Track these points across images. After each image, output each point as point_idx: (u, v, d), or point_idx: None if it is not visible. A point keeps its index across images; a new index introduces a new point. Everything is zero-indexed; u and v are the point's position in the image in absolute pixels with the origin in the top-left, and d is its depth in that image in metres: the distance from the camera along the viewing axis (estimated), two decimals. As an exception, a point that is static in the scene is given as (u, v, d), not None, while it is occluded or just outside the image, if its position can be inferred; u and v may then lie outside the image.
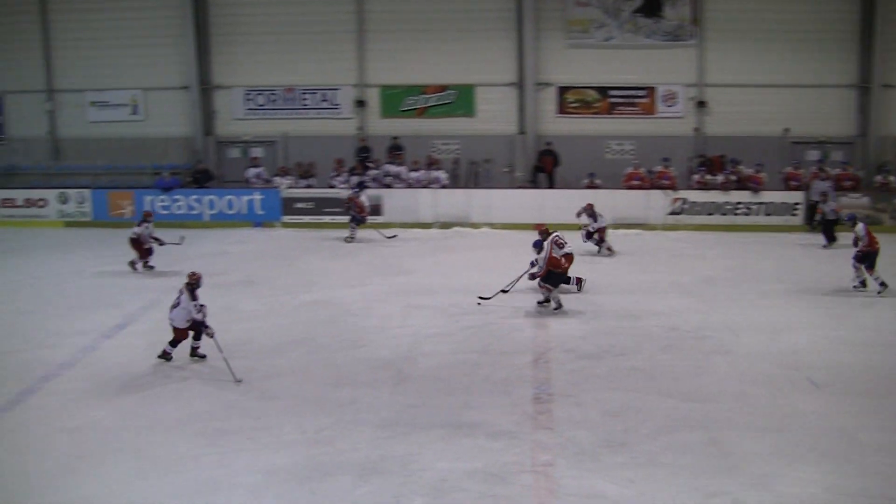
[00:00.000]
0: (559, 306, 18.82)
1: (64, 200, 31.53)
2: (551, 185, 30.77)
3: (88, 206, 31.30)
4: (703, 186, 28.83)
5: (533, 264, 19.29)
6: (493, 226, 27.97)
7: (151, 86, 34.32)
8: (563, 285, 19.55)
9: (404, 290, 21.02)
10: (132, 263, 23.36)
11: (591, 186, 29.15)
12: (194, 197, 30.84)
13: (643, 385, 14.58)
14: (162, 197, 30.86)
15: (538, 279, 18.94)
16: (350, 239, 26.68)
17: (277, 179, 30.61)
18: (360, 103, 33.05)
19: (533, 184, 31.07)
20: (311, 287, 21.54)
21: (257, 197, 30.22)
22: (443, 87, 32.63)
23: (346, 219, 28.57)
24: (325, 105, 33.50)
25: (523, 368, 15.45)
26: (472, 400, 14.05)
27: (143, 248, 23.32)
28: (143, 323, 18.66)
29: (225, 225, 30.05)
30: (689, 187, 29.14)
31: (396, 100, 32.96)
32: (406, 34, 32.57)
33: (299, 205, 30.01)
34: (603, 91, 32.06)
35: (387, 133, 32.29)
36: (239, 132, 34.15)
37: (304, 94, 33.55)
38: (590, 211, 24.35)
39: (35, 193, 31.99)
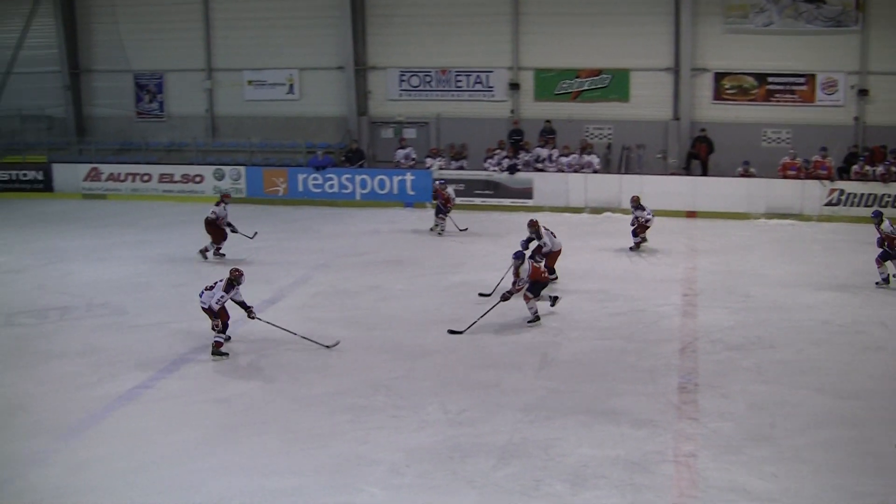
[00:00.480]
0: (535, 318, 17.26)
1: (220, 177, 32.27)
2: (705, 173, 30.35)
3: (243, 183, 31.99)
4: (862, 177, 28.04)
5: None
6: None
7: (307, 66, 34.86)
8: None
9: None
10: (203, 251, 22.99)
11: (746, 175, 28.63)
12: (346, 176, 31.20)
13: (791, 379, 14.32)
14: (315, 175, 31.34)
15: (518, 293, 17.09)
16: (440, 231, 26.06)
17: (429, 160, 30.81)
18: (514, 86, 33.02)
19: (686, 171, 30.69)
20: (459, 268, 21.68)
21: (409, 177, 30.44)
22: (597, 71, 32.41)
23: (496, 201, 28.83)
24: (478, 87, 33.57)
25: (669, 357, 15.34)
26: (616, 387, 14.01)
27: (218, 232, 22.96)
28: (292, 298, 19.06)
29: (376, 204, 30.38)
30: (847, 178, 28.37)
31: (550, 83, 32.86)
32: (561, 17, 32.39)
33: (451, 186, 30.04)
34: (760, 78, 31.40)
35: (540, 116, 32.21)
36: (392, 113, 34.48)
37: (458, 75, 33.66)
38: (635, 203, 23.44)
39: (192, 169, 32.85)
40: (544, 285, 17.69)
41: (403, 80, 34.21)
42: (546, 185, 29.45)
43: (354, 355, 15.58)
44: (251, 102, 35.57)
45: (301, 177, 31.52)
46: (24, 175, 33.99)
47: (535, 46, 32.79)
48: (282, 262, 22.46)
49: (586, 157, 29.75)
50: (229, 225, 22.98)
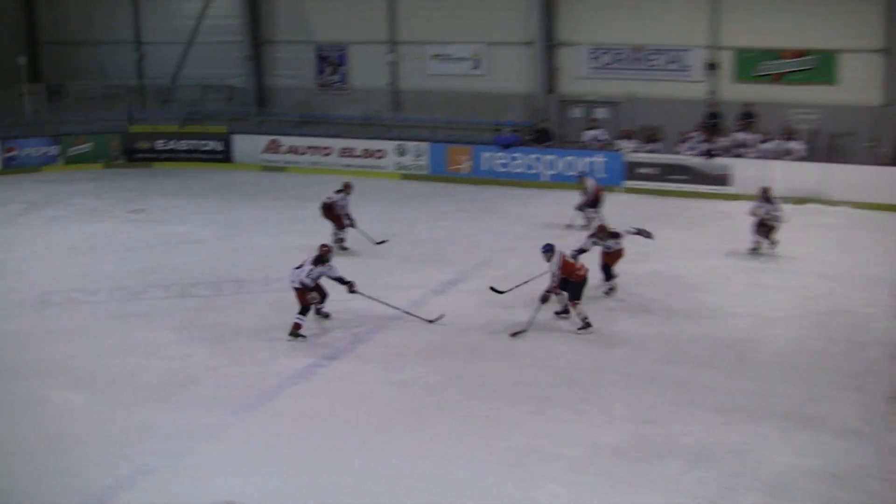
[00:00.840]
0: (586, 325, 16.19)
1: (402, 152, 32.51)
2: (920, 164, 29.20)
3: (426, 160, 32.19)
4: None
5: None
6: (852, 204, 26.74)
7: (494, 40, 34.67)
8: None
9: (750, 266, 20.50)
10: (340, 240, 21.97)
11: (969, 167, 27.40)
12: (534, 156, 31.03)
13: None
14: (500, 154, 31.33)
15: (551, 294, 16.23)
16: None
17: (622, 143, 30.38)
18: (712, 66, 32.30)
19: (898, 161, 29.59)
20: (649, 257, 21.25)
21: (599, 159, 30.05)
22: (801, 52, 31.42)
23: (691, 187, 28.31)
24: (673, 67, 32.91)
25: (877, 362, 14.79)
26: (817, 392, 13.58)
27: (339, 217, 22.12)
28: (475, 280, 19.01)
29: (563, 186, 29.96)
30: None
31: (751, 64, 32.00)
32: (764, -7, 31.57)
33: (643, 170, 29.57)
34: None
35: (739, 99, 31.38)
36: (582, 91, 34.03)
37: (652, 54, 33.07)
38: (764, 195, 21.80)
39: (374, 144, 33.16)
40: (582, 285, 16.41)
41: (594, 58, 33.76)
42: (745, 171, 28.65)
43: (537, 343, 15.57)
44: (435, 77, 35.60)
45: (486, 155, 31.49)
46: (205, 145, 34.91)
47: (734, 24, 31.93)
48: (464, 244, 22.48)
49: (789, 144, 28.92)
50: (348, 217, 22.26)
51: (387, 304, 16.68)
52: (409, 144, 32.54)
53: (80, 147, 34.26)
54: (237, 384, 13.92)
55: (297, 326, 15.89)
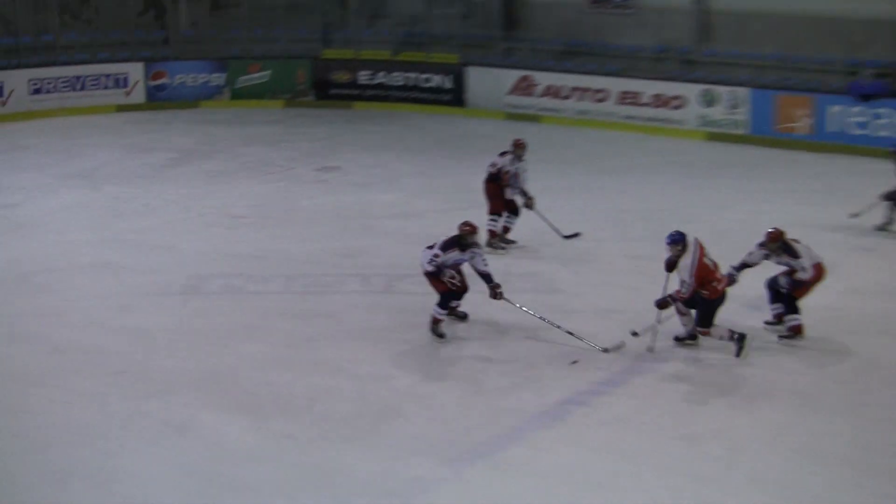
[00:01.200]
0: (740, 347, 15.69)
1: (709, 101, 32.20)
2: None
3: (744, 114, 31.90)
4: None
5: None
6: None
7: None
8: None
9: None
10: (498, 233, 21.65)
11: None
12: (906, 113, 30.36)
13: None
14: (856, 108, 30.71)
15: (674, 301, 15.89)
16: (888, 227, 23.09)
17: None
18: None
19: None
20: None
21: None
22: None
23: None
24: None
25: None
26: None
27: (499, 195, 21.61)
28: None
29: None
30: None
31: None
32: None
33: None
34: None
35: None
36: None
37: None
38: None
39: (669, 88, 33.13)
40: (715, 305, 15.91)
41: None
42: None
43: (862, 385, 15.17)
44: (765, -7, 35.10)
45: (834, 109, 31.02)
46: (427, 81, 35.32)
47: None
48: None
49: None
50: (523, 194, 21.63)
51: (545, 320, 16.55)
52: (721, 90, 32.38)
53: (253, 76, 35.21)
54: (457, 422, 13.93)
55: (435, 321, 16.42)
